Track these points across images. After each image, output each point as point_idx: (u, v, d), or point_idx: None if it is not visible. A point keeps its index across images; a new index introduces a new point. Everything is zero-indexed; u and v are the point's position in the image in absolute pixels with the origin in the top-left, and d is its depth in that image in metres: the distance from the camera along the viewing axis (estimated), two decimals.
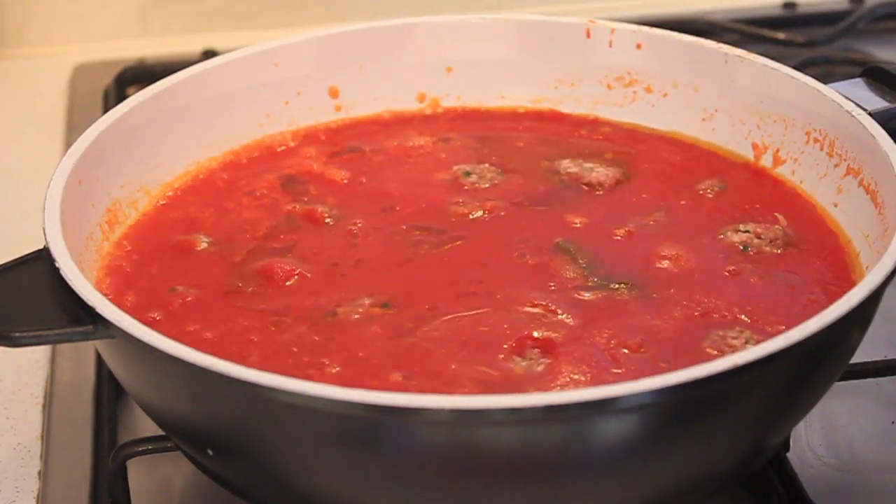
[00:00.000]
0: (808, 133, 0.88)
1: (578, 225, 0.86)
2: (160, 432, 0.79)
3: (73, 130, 1.17)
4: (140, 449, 0.79)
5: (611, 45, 0.96)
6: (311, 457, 0.69)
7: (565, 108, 0.98)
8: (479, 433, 0.66)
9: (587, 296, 0.79)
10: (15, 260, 0.76)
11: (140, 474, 0.81)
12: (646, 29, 0.96)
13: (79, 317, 0.72)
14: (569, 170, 0.91)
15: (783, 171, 0.90)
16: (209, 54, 1.23)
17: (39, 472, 0.84)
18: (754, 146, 0.92)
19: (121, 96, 1.17)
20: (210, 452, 0.72)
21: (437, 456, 0.67)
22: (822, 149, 0.87)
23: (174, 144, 0.91)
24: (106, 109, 1.17)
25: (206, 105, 0.93)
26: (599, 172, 0.90)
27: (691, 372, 0.66)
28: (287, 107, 0.96)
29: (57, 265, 0.74)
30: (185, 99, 0.92)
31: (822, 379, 0.74)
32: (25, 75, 1.30)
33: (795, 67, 0.93)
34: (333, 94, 0.97)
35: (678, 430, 0.68)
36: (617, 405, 0.65)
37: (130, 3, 1.32)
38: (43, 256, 0.75)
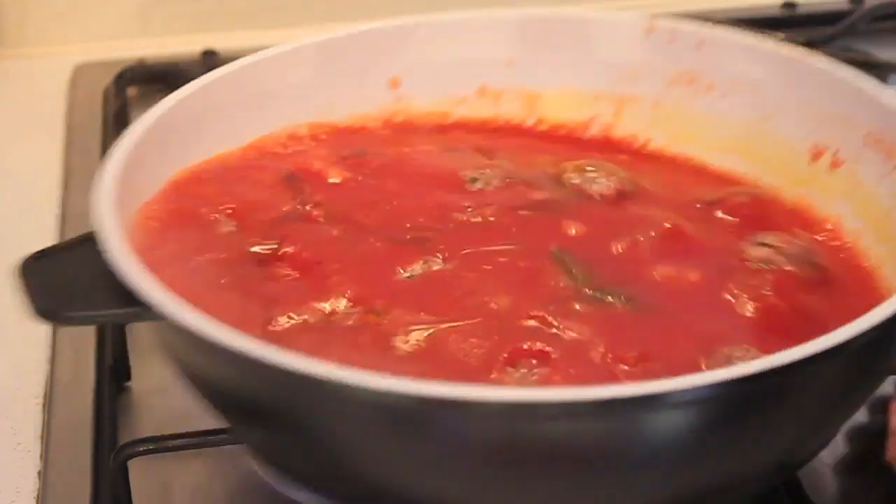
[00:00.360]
0: (864, 136, 0.88)
1: (580, 234, 0.86)
2: (161, 432, 0.79)
3: (73, 130, 1.17)
4: (141, 449, 0.79)
5: (671, 43, 0.96)
6: (356, 444, 0.70)
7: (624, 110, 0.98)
8: (527, 427, 0.66)
9: (585, 308, 0.79)
10: (68, 241, 0.78)
11: (140, 474, 0.81)
12: (707, 29, 0.96)
13: (127, 298, 0.73)
14: (572, 181, 0.91)
15: (836, 177, 0.89)
16: (209, 54, 1.23)
17: (39, 472, 0.84)
18: (813, 148, 0.91)
19: (121, 96, 1.18)
20: (258, 430, 0.73)
21: (484, 448, 0.67)
22: (879, 151, 0.87)
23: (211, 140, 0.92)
24: (106, 109, 1.18)
25: (245, 100, 0.94)
26: (601, 184, 0.90)
27: (748, 367, 0.66)
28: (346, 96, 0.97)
29: (107, 247, 0.75)
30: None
31: (874, 375, 0.74)
32: (25, 75, 1.30)
33: None
34: (394, 84, 0.98)
35: (729, 427, 0.68)
36: (669, 400, 0.66)
37: (130, 3, 1.32)
38: (96, 237, 0.76)
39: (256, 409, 0.72)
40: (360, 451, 0.70)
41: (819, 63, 0.91)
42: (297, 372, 0.67)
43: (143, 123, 0.86)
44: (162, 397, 0.87)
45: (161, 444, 0.79)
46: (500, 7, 0.99)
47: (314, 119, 0.96)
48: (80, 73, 1.28)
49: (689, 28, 0.96)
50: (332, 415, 0.69)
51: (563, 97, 0.98)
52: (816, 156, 0.91)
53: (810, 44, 1.24)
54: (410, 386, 0.66)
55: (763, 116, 0.93)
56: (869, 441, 0.64)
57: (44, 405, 0.89)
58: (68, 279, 0.75)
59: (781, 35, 1.25)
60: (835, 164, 0.90)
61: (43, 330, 0.94)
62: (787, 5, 1.33)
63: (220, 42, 1.26)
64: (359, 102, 0.97)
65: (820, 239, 0.86)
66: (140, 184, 0.85)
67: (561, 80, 0.99)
